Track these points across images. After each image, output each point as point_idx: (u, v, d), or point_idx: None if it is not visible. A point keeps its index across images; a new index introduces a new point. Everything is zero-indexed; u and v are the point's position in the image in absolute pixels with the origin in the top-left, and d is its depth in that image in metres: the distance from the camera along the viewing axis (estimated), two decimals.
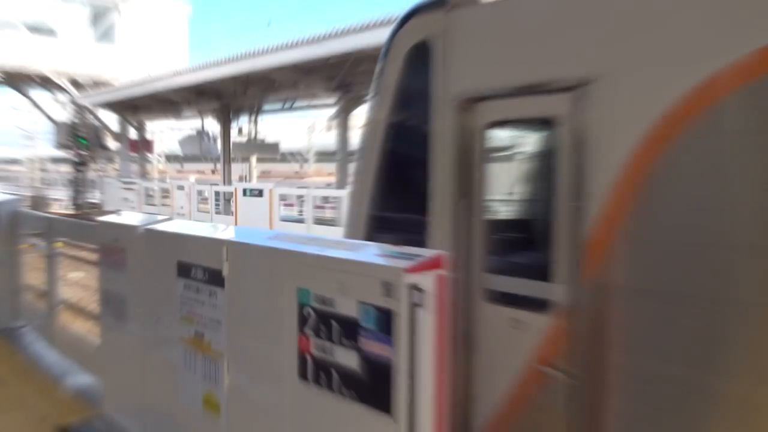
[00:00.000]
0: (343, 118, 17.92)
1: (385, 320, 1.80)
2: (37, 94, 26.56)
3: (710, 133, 1.94)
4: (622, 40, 2.11)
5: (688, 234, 1.98)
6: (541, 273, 2.55)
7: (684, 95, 1.95)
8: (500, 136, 2.79)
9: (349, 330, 1.91)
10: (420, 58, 2.76)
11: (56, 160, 42.49)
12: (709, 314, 1.94)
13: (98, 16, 22.62)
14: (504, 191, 4.11)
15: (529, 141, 2.93)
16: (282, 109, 21.59)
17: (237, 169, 28.60)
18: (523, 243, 3.73)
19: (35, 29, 18.89)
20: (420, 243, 2.70)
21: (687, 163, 1.98)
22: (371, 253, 2.03)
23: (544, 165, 4.00)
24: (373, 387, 1.85)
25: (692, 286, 1.97)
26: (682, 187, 2.00)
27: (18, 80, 24.48)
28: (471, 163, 2.65)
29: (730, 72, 1.88)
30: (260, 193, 17.76)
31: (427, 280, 1.79)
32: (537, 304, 2.47)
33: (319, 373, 2.03)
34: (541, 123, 3.78)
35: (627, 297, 2.11)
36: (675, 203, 2.01)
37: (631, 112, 2.08)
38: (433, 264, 1.82)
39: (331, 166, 26.20)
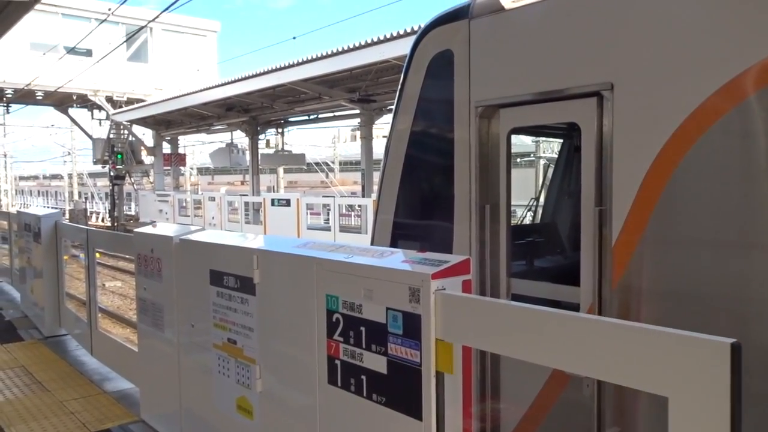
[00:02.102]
0: (367, 127, 18.09)
1: (412, 325, 1.82)
2: (76, 111, 27.88)
3: (734, 134, 1.91)
4: (644, 44, 2.10)
5: (712, 235, 1.94)
6: (567, 277, 2.53)
7: (706, 98, 1.93)
8: (523, 142, 2.80)
9: (378, 335, 1.94)
10: (443, 66, 2.79)
11: (94, 175, 44.28)
12: (736, 315, 1.90)
13: (131, 36, 23.61)
14: (528, 196, 4.09)
15: (553, 146, 2.93)
16: (307, 121, 21.94)
17: (265, 180, 29.16)
18: (549, 247, 3.70)
19: (73, 50, 19.94)
20: (445, 249, 2.72)
21: (711, 165, 1.95)
22: (398, 259, 2.05)
23: (568, 169, 3.97)
24: (402, 391, 1.87)
25: (717, 287, 1.93)
26: (706, 189, 1.96)
27: (57, 99, 25.72)
28: (495, 169, 2.66)
29: (753, 73, 1.84)
30: (288, 203, 18.07)
31: (453, 286, 1.81)
32: (563, 308, 2.45)
33: (348, 378, 2.07)
34: (565, 128, 3.75)
35: (653, 299, 2.08)
36: (699, 205, 1.97)
37: (653, 116, 2.06)
38: (459, 269, 1.84)
39: (356, 176, 26.39)
